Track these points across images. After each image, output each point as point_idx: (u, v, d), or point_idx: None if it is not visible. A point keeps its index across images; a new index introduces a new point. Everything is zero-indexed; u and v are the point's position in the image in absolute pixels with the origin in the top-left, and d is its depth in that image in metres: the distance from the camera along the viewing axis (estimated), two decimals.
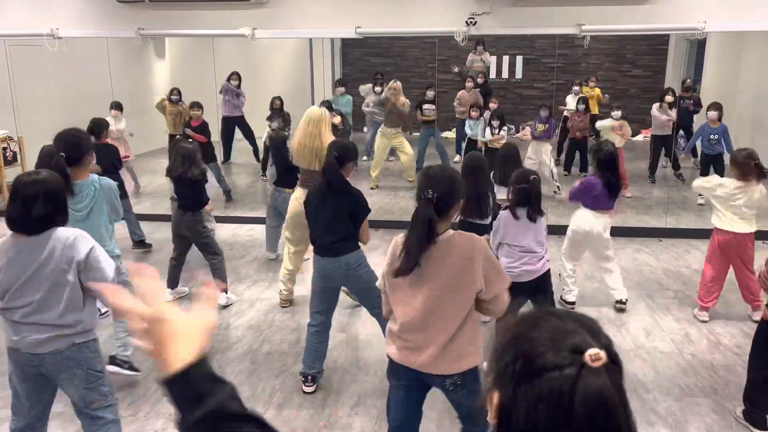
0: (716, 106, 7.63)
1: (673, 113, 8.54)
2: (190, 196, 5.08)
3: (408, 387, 2.74)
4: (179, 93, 8.50)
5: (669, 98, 8.64)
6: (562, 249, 5.26)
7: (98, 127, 5.92)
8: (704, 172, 7.87)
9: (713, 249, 4.87)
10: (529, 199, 4.02)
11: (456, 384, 2.62)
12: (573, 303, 5.21)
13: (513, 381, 0.96)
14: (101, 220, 3.78)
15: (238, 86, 8.92)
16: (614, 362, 0.96)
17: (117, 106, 7.87)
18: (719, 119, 7.58)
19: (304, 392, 3.92)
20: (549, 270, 4.24)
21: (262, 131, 8.68)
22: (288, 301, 5.26)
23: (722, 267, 4.87)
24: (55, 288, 2.65)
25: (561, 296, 5.22)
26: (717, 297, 4.94)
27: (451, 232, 2.57)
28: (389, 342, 2.72)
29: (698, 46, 10.23)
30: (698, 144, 8.26)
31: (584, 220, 5.00)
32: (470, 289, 2.52)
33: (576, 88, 9.63)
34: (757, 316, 4.86)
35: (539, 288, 4.18)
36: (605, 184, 4.84)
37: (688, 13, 6.43)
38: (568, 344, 0.95)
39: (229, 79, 8.89)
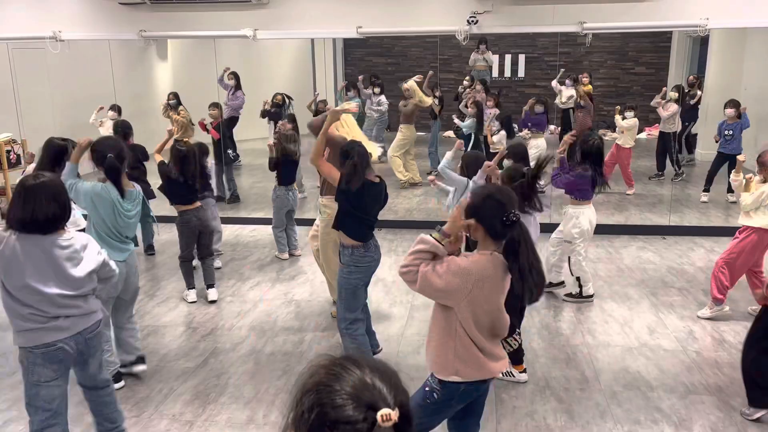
0: (733, 104, 7.66)
1: (673, 109, 8.58)
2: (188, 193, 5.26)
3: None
4: (176, 97, 8.51)
5: (673, 94, 8.65)
6: (579, 250, 5.19)
7: (127, 128, 6.10)
8: (714, 171, 7.87)
9: (746, 248, 4.73)
10: (525, 194, 3.95)
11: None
12: (592, 295, 5.29)
13: (307, 428, 1.01)
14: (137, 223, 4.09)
15: (236, 86, 8.92)
16: (406, 417, 1.02)
17: (115, 108, 7.90)
18: (738, 116, 7.61)
19: None
20: None
21: (262, 131, 8.70)
22: None
23: (749, 265, 4.85)
24: (83, 285, 2.90)
25: (581, 292, 5.26)
26: None
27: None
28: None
29: (701, 43, 10.19)
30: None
31: (591, 216, 5.16)
32: None
33: (568, 81, 9.66)
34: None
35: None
36: (591, 176, 5.00)
37: (690, 10, 6.42)
38: (366, 400, 1.00)
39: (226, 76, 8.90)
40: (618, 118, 8.36)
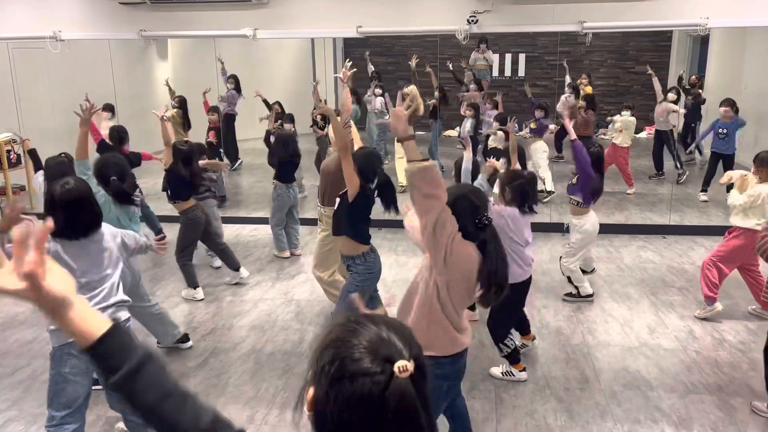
0: (728, 102, 7.67)
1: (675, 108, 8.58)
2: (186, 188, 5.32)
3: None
4: (180, 104, 8.57)
5: (672, 95, 8.66)
6: (573, 252, 5.18)
7: (122, 134, 6.15)
8: (711, 171, 7.88)
9: (734, 248, 4.77)
10: (528, 193, 3.99)
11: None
12: (592, 295, 5.28)
13: (327, 381, 1.06)
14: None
15: (234, 89, 8.98)
16: (421, 370, 1.08)
17: (109, 108, 7.94)
18: (735, 113, 7.64)
19: None
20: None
21: (262, 131, 8.69)
22: None
23: (735, 265, 4.87)
24: (114, 271, 3.03)
25: (578, 292, 5.26)
26: None
27: None
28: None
29: (701, 43, 10.20)
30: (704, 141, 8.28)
31: (594, 221, 5.12)
32: None
33: (567, 89, 9.67)
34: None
35: (526, 291, 4.15)
36: (593, 184, 4.95)
37: (690, 9, 6.41)
38: (382, 354, 1.06)
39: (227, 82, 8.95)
40: (616, 117, 8.38)
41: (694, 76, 9.81)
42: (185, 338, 4.53)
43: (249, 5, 7.03)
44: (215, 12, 7.13)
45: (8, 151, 7.93)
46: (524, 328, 4.36)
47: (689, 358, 4.32)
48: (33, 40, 7.31)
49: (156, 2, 7.13)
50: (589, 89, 9.89)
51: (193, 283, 5.44)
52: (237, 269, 5.70)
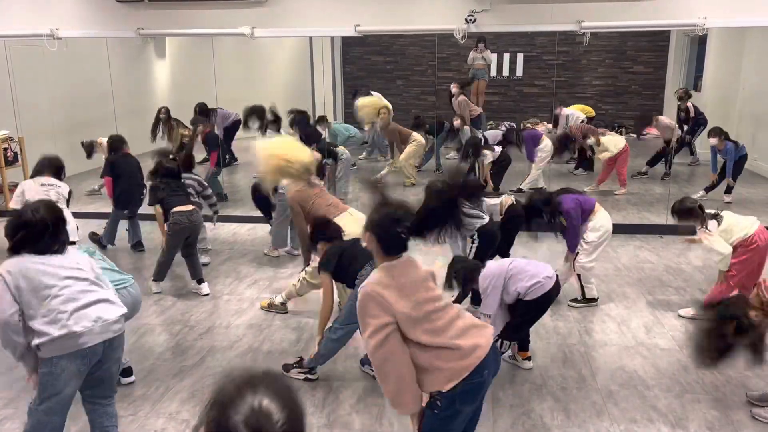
0: (715, 132, 7.79)
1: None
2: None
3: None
4: (167, 112, 8.62)
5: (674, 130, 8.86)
6: (591, 251, 5.07)
7: (117, 142, 6.52)
8: (720, 176, 8.02)
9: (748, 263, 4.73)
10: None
11: None
12: (597, 299, 5.21)
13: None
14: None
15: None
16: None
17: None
18: (726, 139, 7.78)
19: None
20: None
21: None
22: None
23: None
24: (98, 280, 2.98)
25: (584, 294, 5.18)
26: None
27: None
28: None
29: (699, 43, 10.20)
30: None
31: (605, 215, 5.05)
32: None
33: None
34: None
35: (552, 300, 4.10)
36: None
37: (688, 9, 6.42)
38: (252, 426, 1.24)
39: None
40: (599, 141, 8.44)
41: (681, 90, 9.82)
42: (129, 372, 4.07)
43: (247, 3, 7.02)
44: (213, 10, 7.13)
45: (5, 149, 7.91)
46: (525, 344, 4.23)
47: (686, 358, 4.32)
48: (30, 38, 7.30)
49: (154, 0, 7.13)
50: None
51: (158, 275, 5.49)
52: (199, 282, 5.53)
